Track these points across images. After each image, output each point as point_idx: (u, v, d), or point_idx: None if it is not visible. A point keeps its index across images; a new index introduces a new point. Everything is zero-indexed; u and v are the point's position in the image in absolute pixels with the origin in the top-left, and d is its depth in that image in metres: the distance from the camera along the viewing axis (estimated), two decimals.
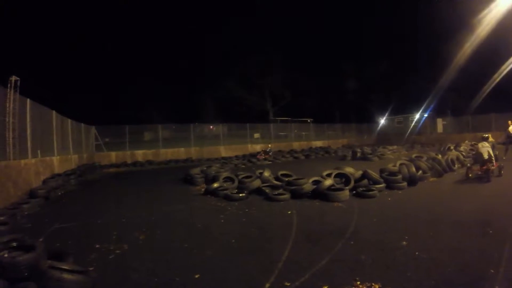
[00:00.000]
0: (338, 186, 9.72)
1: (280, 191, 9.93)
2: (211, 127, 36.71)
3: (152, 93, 46.77)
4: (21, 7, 42.39)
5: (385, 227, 6.26)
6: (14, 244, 4.81)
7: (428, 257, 4.64)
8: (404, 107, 41.51)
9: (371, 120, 45.99)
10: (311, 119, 44.44)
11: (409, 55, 44.91)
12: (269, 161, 24.01)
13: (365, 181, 10.25)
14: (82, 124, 23.14)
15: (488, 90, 31.86)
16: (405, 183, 10.26)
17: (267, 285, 4.09)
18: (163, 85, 49.35)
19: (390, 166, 11.66)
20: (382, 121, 44.66)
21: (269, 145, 29.18)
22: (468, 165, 12.52)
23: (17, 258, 4.10)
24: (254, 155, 27.07)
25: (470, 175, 11.57)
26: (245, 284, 4.20)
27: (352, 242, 5.44)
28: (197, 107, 50.80)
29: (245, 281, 4.28)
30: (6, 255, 4.44)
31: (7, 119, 10.72)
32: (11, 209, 8.99)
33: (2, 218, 7.81)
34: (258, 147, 31.79)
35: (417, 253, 4.80)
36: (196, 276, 4.49)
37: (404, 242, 5.28)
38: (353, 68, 48.46)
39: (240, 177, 11.95)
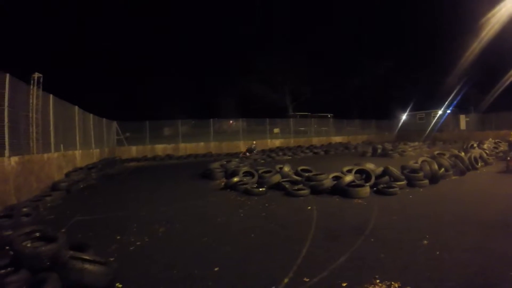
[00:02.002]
0: (358, 182, 9.63)
1: (300, 186, 9.88)
2: (231, 122, 36.72)
3: (173, 89, 47.05)
4: (42, 6, 43.03)
5: (405, 226, 6.17)
6: (37, 234, 4.92)
7: (448, 257, 4.56)
8: (426, 103, 40.75)
9: (392, 116, 45.22)
10: (331, 115, 44.11)
11: (432, 49, 44.14)
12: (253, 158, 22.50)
13: (386, 178, 10.08)
14: (104, 119, 23.51)
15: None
16: (426, 181, 10.11)
17: (286, 280, 4.09)
18: (183, 82, 49.56)
19: (411, 163, 11.45)
20: (404, 117, 43.91)
21: (254, 142, 27.38)
22: (508, 158, 12.79)
23: (39, 248, 4.18)
24: (273, 150, 26.90)
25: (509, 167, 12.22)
26: (264, 278, 4.21)
27: (372, 240, 5.39)
28: (217, 103, 50.96)
29: (264, 275, 4.29)
30: (28, 246, 4.54)
31: (30, 115, 10.99)
32: (34, 201, 9.18)
33: (25, 209, 7.99)
34: (277, 142, 31.73)
35: (437, 252, 4.73)
36: (215, 269, 4.53)
37: (425, 241, 5.20)
38: (374, 63, 47.77)
39: (259, 171, 11.94)
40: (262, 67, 44.89)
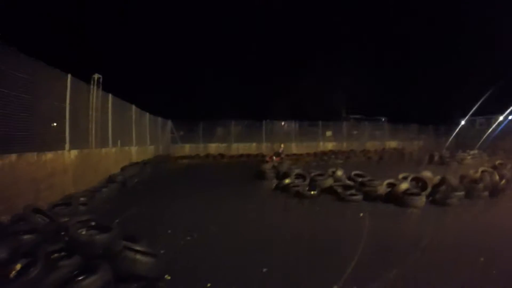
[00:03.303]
0: (414, 191, 9.27)
1: (353, 191, 9.69)
2: (283, 123, 36.61)
3: (226, 89, 47.66)
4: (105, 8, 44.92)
5: (462, 240, 5.90)
6: (92, 224, 5.19)
7: (507, 277, 4.33)
8: (488, 108, 38.50)
9: (451, 121, 43.07)
10: (386, 118, 42.99)
11: (495, 51, 41.97)
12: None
13: (443, 188, 9.61)
14: (159, 118, 24.29)
15: None
16: (486, 193, 9.55)
17: (335, 287, 4.06)
18: (237, 82, 50.09)
19: (471, 173, 10.92)
20: (463, 122, 41.62)
21: (281, 146, 24.55)
22: None
23: (93, 237, 4.41)
24: (325, 153, 26.55)
25: None
26: (312, 284, 4.22)
27: (425, 254, 5.19)
28: (269, 104, 51.11)
29: (312, 281, 4.30)
30: (83, 233, 4.81)
31: (90, 112, 11.71)
32: (91, 192, 9.70)
33: (82, 199, 8.47)
34: (330, 146, 31.31)
35: (494, 272, 4.49)
36: (264, 271, 4.58)
37: (482, 259, 4.90)
38: (432, 64, 46.01)
39: (312, 174, 11.81)
40: (316, 68, 44.58)
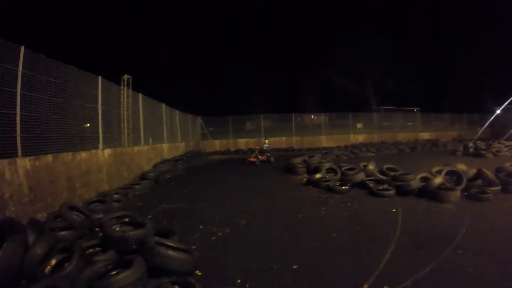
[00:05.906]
0: (448, 185, 9.03)
1: (385, 186, 9.57)
2: (312, 116, 36.36)
3: (255, 84, 47.75)
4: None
5: (498, 237, 5.64)
6: (126, 220, 5.34)
7: None
8: None
9: (486, 110, 41.27)
10: (418, 108, 42.06)
11: None
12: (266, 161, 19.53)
13: (479, 182, 9.31)
14: (189, 115, 24.83)
15: None
16: None
17: (366, 285, 4.02)
18: (265, 76, 50.12)
19: (507, 166, 10.53)
20: (498, 111, 39.69)
21: (266, 142, 22.28)
22: None
23: (127, 233, 4.54)
24: (356, 146, 26.20)
25: None
26: (343, 281, 4.18)
27: (460, 251, 5.01)
28: (298, 97, 50.96)
29: (343, 278, 4.26)
30: (117, 229, 4.94)
31: (122, 112, 12.17)
32: (124, 189, 10.12)
33: (116, 196, 8.85)
34: (360, 138, 30.88)
35: None
36: (294, 267, 4.59)
37: None
38: (464, 49, 44.35)
39: (343, 168, 11.77)
40: (344, 58, 43.97)
